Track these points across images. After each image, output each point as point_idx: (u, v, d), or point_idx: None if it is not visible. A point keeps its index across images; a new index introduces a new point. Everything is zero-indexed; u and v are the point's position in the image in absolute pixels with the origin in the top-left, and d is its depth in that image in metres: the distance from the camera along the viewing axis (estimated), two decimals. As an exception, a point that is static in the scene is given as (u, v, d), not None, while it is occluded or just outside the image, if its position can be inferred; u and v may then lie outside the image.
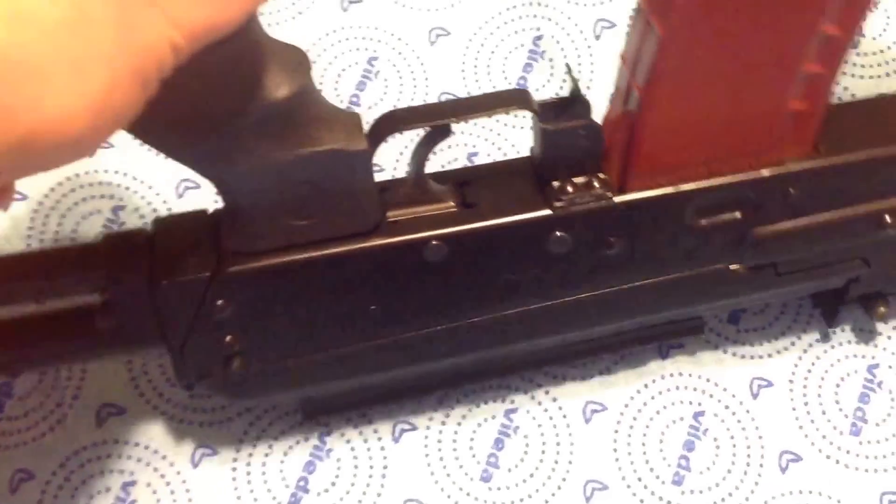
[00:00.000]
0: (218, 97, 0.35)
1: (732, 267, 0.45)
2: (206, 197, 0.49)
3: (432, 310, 0.43)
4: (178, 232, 0.42)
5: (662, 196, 0.42)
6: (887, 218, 0.45)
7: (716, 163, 0.42)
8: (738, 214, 0.44)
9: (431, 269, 0.41)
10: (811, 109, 0.42)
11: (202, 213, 0.43)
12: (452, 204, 0.41)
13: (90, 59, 0.26)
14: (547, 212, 0.41)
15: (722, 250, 0.44)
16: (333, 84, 0.53)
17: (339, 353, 0.43)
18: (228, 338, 0.41)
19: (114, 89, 0.27)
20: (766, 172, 0.43)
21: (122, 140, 0.48)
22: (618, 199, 0.42)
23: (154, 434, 0.49)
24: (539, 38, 0.53)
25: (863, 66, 0.54)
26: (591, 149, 0.41)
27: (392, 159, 0.51)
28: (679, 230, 0.43)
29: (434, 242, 0.41)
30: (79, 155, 0.28)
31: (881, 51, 0.55)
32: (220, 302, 0.40)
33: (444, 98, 0.53)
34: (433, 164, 0.42)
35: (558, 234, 0.42)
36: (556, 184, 0.41)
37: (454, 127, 0.39)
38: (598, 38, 0.54)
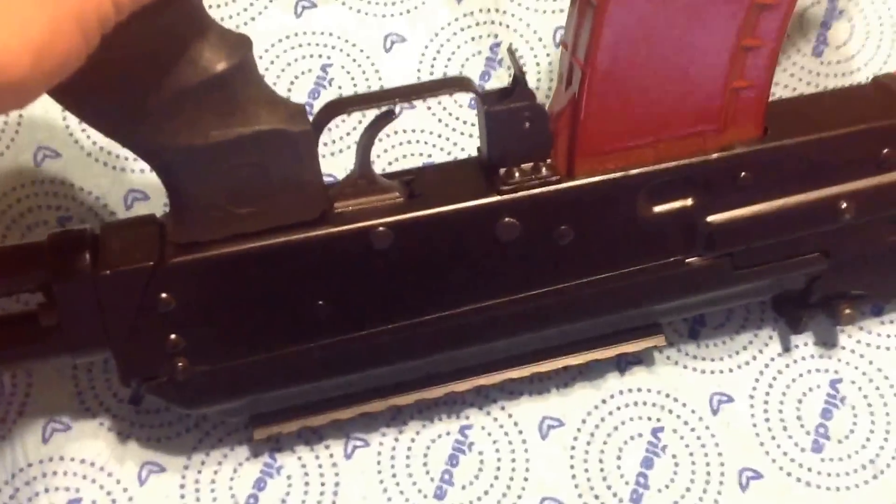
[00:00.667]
0: (156, 66, 0.35)
1: (688, 260, 0.44)
2: (155, 209, 0.47)
3: (381, 306, 0.42)
4: (124, 231, 0.42)
5: (610, 180, 0.42)
6: (843, 204, 0.45)
7: (664, 145, 0.42)
8: (689, 201, 0.43)
9: (379, 259, 0.41)
10: (755, 86, 0.42)
11: (151, 216, 0.43)
12: (398, 195, 0.41)
13: (28, 1, 0.27)
14: (494, 198, 0.41)
15: (675, 241, 0.44)
16: (286, 92, 0.51)
17: (287, 354, 0.42)
18: (173, 336, 0.41)
19: (54, 34, 0.28)
20: (714, 155, 0.43)
21: (70, 150, 0.48)
22: (565, 183, 0.41)
23: (100, 450, 0.48)
24: (497, 45, 0.52)
25: (826, 74, 0.53)
26: (537, 132, 0.41)
27: (345, 169, 0.49)
28: (630, 218, 0.43)
29: (380, 229, 0.40)
30: (19, 101, 0.29)
31: (845, 59, 0.53)
32: (163, 295, 0.40)
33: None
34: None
35: (507, 220, 0.41)
36: (502, 170, 0.41)
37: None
38: (558, 45, 0.53)
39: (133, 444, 0.48)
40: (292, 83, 0.52)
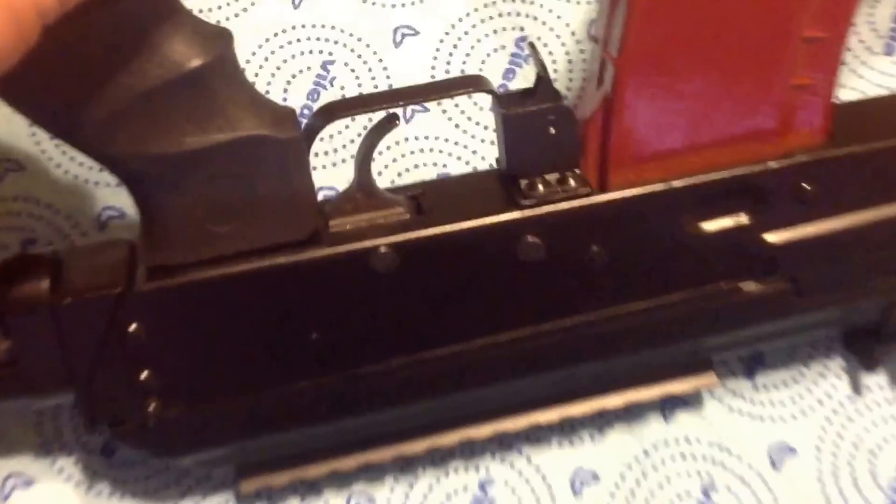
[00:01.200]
0: (119, 61, 0.33)
1: (743, 286, 0.41)
2: (134, 229, 0.42)
3: (384, 339, 0.39)
4: (91, 255, 0.39)
5: (650, 194, 0.38)
6: None
7: (712, 152, 0.39)
8: (743, 217, 0.40)
9: (380, 286, 0.38)
10: (819, 85, 0.39)
11: (122, 240, 0.39)
12: (403, 210, 0.38)
13: None
14: (514, 213, 0.38)
15: (728, 264, 0.40)
16: (281, 93, 0.47)
17: (275, 394, 0.39)
18: (144, 374, 0.37)
19: None
20: (773, 164, 0.39)
21: (35, 163, 0.45)
22: (597, 197, 0.38)
23: None
24: (522, 39, 0.47)
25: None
26: (564, 138, 0.38)
27: (348, 181, 0.44)
28: (674, 237, 0.39)
29: (382, 250, 0.37)
30: None
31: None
32: (132, 327, 0.37)
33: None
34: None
35: (529, 239, 0.38)
36: (524, 183, 0.38)
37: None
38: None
39: (105, 501, 0.43)
40: (289, 83, 0.47)
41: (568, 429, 0.45)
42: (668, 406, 0.46)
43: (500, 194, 0.39)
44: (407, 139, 0.47)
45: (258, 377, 0.38)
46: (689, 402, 0.46)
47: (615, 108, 0.37)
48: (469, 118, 0.47)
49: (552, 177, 0.38)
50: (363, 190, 0.38)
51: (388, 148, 0.46)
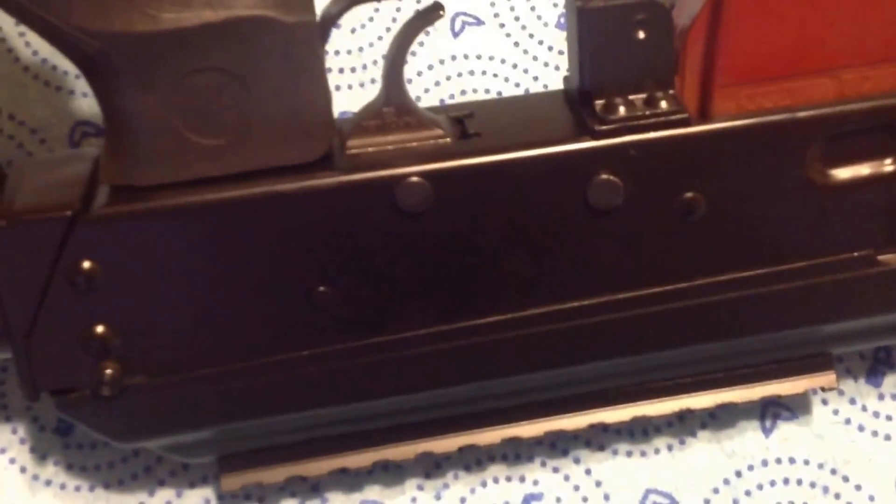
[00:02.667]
0: None
1: (882, 258, 0.35)
2: None
3: (409, 299, 0.34)
4: (44, 170, 0.34)
5: (766, 124, 0.33)
6: None
7: (850, 75, 0.35)
8: (886, 164, 0.35)
9: (408, 229, 0.33)
10: None
11: (88, 153, 0.35)
12: (443, 133, 0.33)
13: None
14: (586, 142, 0.33)
15: (862, 226, 0.35)
16: None
17: (268, 365, 0.34)
18: (100, 328, 0.33)
19: None
20: None
21: None
22: (697, 127, 0.33)
23: (10, 501, 0.37)
24: None
25: None
26: (656, 46, 0.33)
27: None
28: (793, 186, 0.34)
29: (412, 179, 0.32)
30: None
31: None
32: (86, 263, 0.32)
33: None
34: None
35: (604, 176, 0.33)
36: (600, 103, 0.33)
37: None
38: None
39: (60, 494, 0.37)
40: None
41: (640, 435, 0.38)
42: (768, 414, 0.39)
43: (569, 118, 0.34)
44: (454, 57, 0.41)
45: (246, 341, 0.34)
46: (796, 410, 0.39)
47: (726, 10, 0.33)
48: (531, 35, 0.41)
49: (638, 97, 0.33)
50: (393, 104, 0.33)
51: (430, 68, 0.40)
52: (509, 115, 0.36)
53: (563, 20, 0.41)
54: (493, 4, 0.40)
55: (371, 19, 0.40)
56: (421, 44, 0.39)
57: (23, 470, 0.37)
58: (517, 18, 0.41)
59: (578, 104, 0.34)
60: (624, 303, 0.35)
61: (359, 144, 0.33)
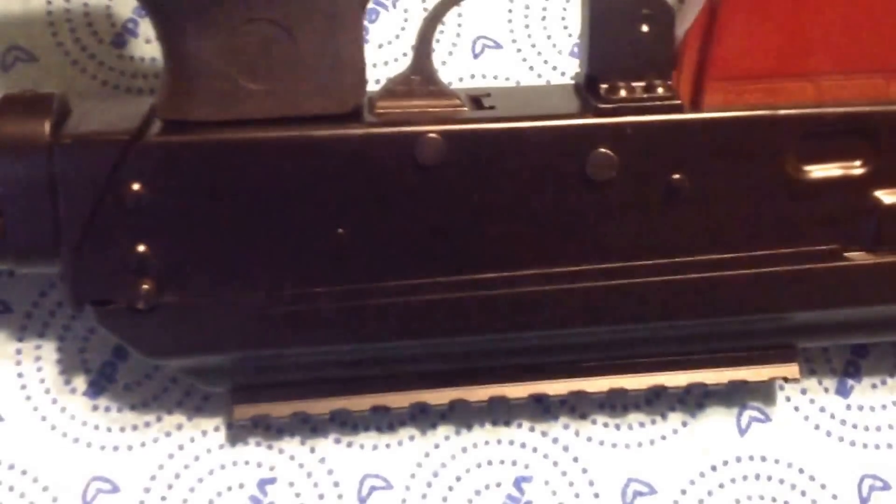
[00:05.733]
0: None
1: (848, 254, 0.36)
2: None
3: (416, 251, 0.35)
4: (105, 106, 0.36)
5: (750, 117, 0.35)
6: None
7: (829, 82, 0.35)
8: (857, 166, 0.35)
9: (423, 181, 0.34)
10: None
11: (145, 98, 0.37)
12: (461, 102, 0.35)
13: None
14: (588, 119, 0.34)
15: (832, 221, 0.36)
16: None
17: (288, 299, 0.35)
18: (141, 247, 0.34)
19: None
20: None
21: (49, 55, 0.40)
22: (688, 114, 0.34)
23: (37, 455, 0.38)
24: None
25: None
26: (658, 39, 0.34)
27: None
28: (771, 177, 0.35)
29: (431, 136, 0.34)
30: None
31: None
32: (135, 186, 0.33)
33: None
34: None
35: (602, 150, 0.34)
36: (604, 86, 0.34)
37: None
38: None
39: (82, 450, 0.38)
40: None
41: (625, 430, 0.40)
42: (743, 418, 0.40)
43: (576, 101, 0.36)
44: (473, 76, 0.42)
45: (270, 273, 0.35)
46: (770, 415, 0.40)
47: (722, 14, 0.34)
48: (546, 61, 0.42)
49: (638, 84, 0.34)
50: (420, 73, 0.35)
51: (451, 85, 0.41)
52: (522, 96, 0.38)
53: (576, 49, 0.42)
54: (511, 31, 0.41)
55: (398, 37, 0.41)
56: (444, 63, 0.41)
57: (54, 428, 0.38)
58: (533, 45, 0.42)
59: (586, 87, 0.35)
60: (609, 272, 0.35)
61: (387, 105, 0.35)
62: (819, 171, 0.35)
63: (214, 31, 0.32)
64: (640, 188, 0.35)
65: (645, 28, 0.34)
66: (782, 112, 0.35)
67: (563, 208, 0.34)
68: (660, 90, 0.34)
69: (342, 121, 0.34)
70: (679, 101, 0.34)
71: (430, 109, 0.35)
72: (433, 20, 0.34)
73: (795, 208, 0.35)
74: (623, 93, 0.34)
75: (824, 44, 0.35)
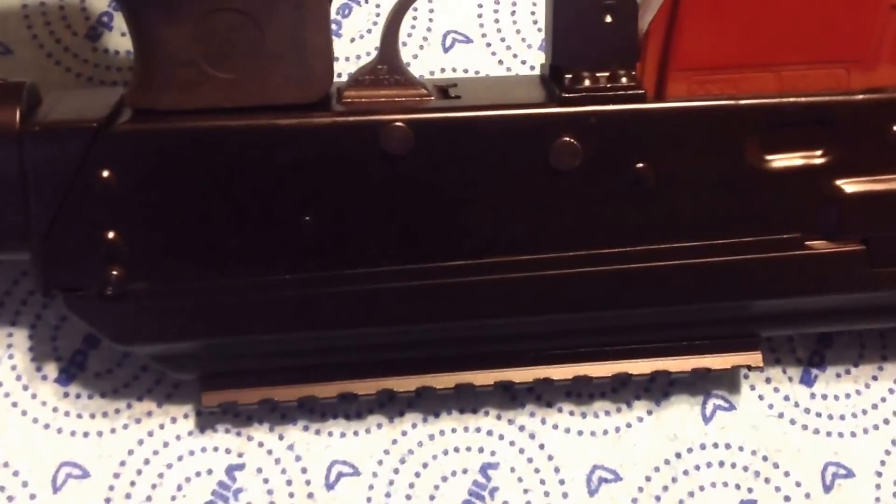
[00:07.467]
0: None
1: (809, 242, 0.36)
2: None
3: (381, 240, 0.35)
4: (75, 96, 0.36)
5: (712, 107, 0.35)
6: None
7: (790, 72, 0.36)
8: (817, 155, 0.36)
9: (389, 167, 0.34)
10: None
11: (117, 88, 0.37)
12: (427, 92, 0.35)
13: None
14: (552, 108, 0.34)
15: (793, 210, 0.36)
16: None
17: (254, 286, 0.35)
18: (111, 234, 0.34)
19: None
20: (859, 96, 0.35)
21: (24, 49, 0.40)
22: (651, 104, 0.35)
23: (8, 440, 0.38)
24: None
25: None
26: (621, 30, 0.34)
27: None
28: (733, 166, 0.35)
29: (397, 125, 0.34)
30: None
31: None
32: (104, 173, 0.33)
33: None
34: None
35: (566, 139, 0.34)
36: (568, 76, 0.34)
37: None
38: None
39: (52, 435, 0.38)
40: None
41: (591, 419, 0.40)
42: (708, 405, 0.40)
43: (541, 90, 0.36)
44: (443, 70, 0.42)
45: (238, 260, 0.35)
46: (734, 404, 0.40)
47: (685, 4, 0.34)
48: (515, 55, 0.43)
49: (602, 74, 0.35)
50: (386, 63, 0.35)
51: (421, 77, 0.41)
52: (488, 86, 0.38)
53: (545, 44, 0.41)
54: (482, 26, 0.42)
55: (370, 31, 0.42)
56: (415, 56, 0.41)
57: (24, 413, 0.38)
58: (503, 39, 0.42)
59: (550, 78, 0.35)
60: (572, 261, 0.35)
61: (353, 95, 0.35)
62: (780, 160, 0.35)
63: (181, 20, 0.32)
64: (605, 177, 0.35)
65: (609, 18, 0.34)
66: (744, 102, 0.35)
67: (528, 197, 0.35)
68: (623, 80, 0.34)
69: (309, 110, 0.34)
70: (643, 91, 0.34)
71: (397, 99, 0.35)
72: (400, 11, 0.34)
73: (757, 197, 0.35)
74: (587, 82, 0.34)
75: (786, 35, 0.35)
